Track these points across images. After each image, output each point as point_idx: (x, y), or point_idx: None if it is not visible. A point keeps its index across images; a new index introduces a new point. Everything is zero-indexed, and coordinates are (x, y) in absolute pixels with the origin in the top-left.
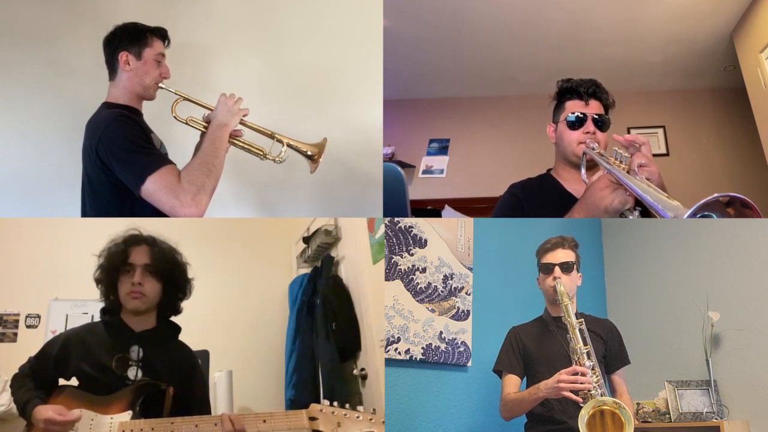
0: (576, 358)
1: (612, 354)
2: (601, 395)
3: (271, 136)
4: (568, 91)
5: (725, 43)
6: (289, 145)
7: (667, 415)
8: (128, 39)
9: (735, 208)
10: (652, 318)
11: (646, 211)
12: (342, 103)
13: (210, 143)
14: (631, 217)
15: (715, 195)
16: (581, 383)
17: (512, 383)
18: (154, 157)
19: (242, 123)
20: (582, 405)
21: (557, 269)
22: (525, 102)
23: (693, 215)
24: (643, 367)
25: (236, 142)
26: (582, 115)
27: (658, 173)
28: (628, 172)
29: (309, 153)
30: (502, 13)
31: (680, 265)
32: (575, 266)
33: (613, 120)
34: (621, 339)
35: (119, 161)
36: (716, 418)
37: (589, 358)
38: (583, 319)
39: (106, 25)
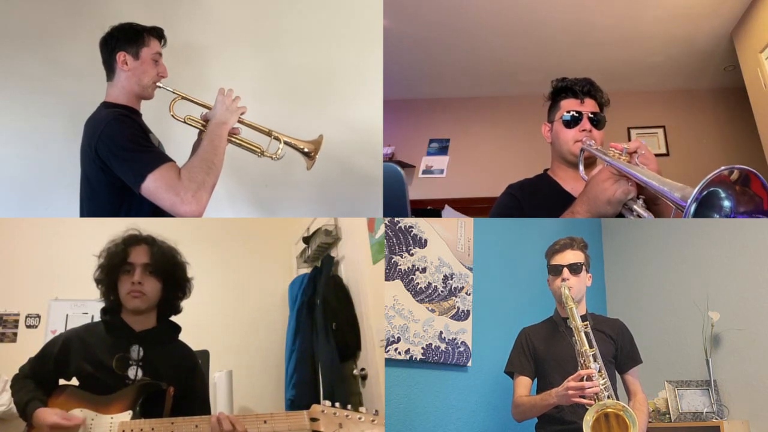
0: (582, 361)
1: (623, 354)
2: (608, 397)
3: (269, 133)
4: (563, 90)
5: (725, 43)
6: (286, 143)
7: (667, 415)
8: (125, 39)
9: (740, 183)
10: (652, 318)
11: (648, 202)
12: (342, 102)
13: (209, 141)
14: (635, 206)
15: (721, 168)
16: (589, 387)
17: (523, 385)
18: (154, 154)
19: (240, 121)
20: (588, 407)
21: (566, 271)
22: (525, 102)
23: (700, 193)
24: (643, 367)
25: (234, 139)
26: (577, 114)
27: (656, 166)
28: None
29: (306, 150)
30: (502, 13)
31: (680, 265)
32: (584, 267)
33: (614, 120)
34: (632, 338)
35: (119, 160)
36: (716, 418)
37: (595, 360)
38: (588, 322)
39: (106, 25)
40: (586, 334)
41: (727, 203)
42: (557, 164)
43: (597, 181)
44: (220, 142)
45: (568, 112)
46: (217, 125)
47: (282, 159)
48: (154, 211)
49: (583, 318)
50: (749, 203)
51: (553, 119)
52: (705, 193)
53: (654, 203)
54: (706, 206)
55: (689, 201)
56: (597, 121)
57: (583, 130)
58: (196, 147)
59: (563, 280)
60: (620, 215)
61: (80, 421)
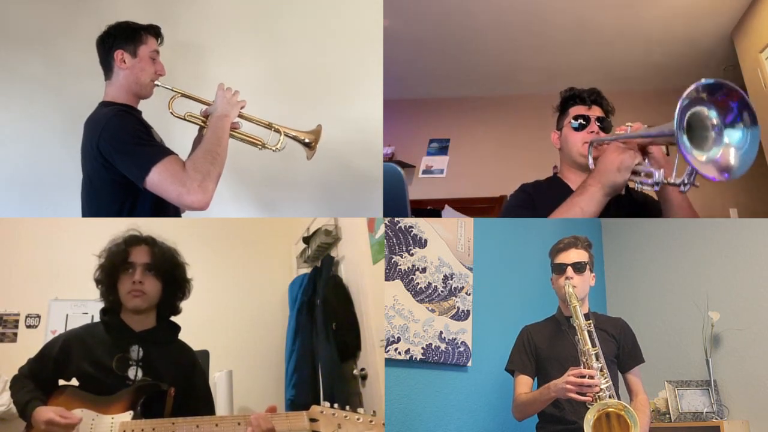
0: (584, 360)
1: (625, 353)
2: (610, 397)
3: (269, 126)
4: (571, 98)
5: (725, 43)
6: (286, 134)
7: (667, 415)
8: (123, 37)
9: (714, 95)
10: (652, 318)
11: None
12: (342, 102)
13: (212, 133)
14: (641, 168)
15: (688, 90)
16: (588, 385)
17: (524, 383)
18: (157, 148)
19: (240, 115)
20: (590, 406)
21: (570, 269)
22: (525, 102)
23: (681, 118)
24: (643, 366)
25: (234, 133)
26: (585, 118)
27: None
28: None
29: (306, 140)
30: (502, 14)
31: (680, 265)
32: (588, 266)
33: (614, 120)
34: (634, 337)
35: (122, 155)
36: (716, 418)
37: (597, 359)
38: (591, 321)
39: (105, 24)
40: (589, 332)
41: (713, 115)
42: (567, 167)
43: (606, 156)
44: (223, 134)
45: (576, 117)
46: (219, 118)
47: (283, 158)
48: (156, 209)
49: (587, 317)
50: (728, 109)
51: (562, 126)
52: (688, 115)
53: (660, 167)
54: (699, 129)
55: (674, 128)
56: (603, 126)
57: (591, 132)
58: (196, 143)
59: (567, 278)
60: (626, 204)
61: (76, 420)
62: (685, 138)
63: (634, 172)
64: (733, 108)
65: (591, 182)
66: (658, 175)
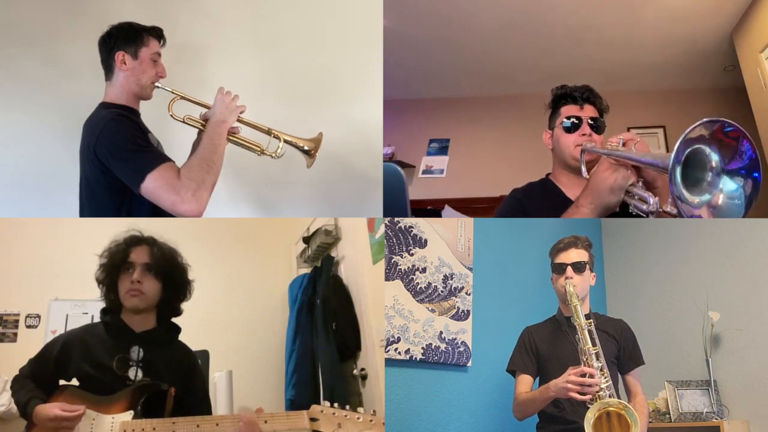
0: (585, 359)
1: (626, 354)
2: (610, 396)
3: (268, 132)
4: (562, 97)
5: (725, 43)
6: (285, 141)
7: (667, 415)
8: (124, 39)
9: (720, 136)
10: (652, 318)
11: (647, 185)
12: (342, 103)
13: (209, 140)
14: (635, 190)
15: (690, 127)
16: (588, 384)
17: (525, 383)
18: (153, 154)
19: (239, 120)
20: (590, 405)
21: (570, 269)
22: (525, 102)
23: (680, 155)
24: (643, 367)
25: (233, 138)
26: (578, 119)
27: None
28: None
29: (305, 148)
30: (502, 14)
31: (680, 265)
32: (588, 266)
33: (614, 120)
34: (635, 339)
35: (118, 160)
36: (716, 418)
37: (597, 359)
38: (592, 320)
39: (105, 24)
40: (590, 332)
41: (714, 157)
42: (559, 170)
43: (598, 173)
44: (219, 141)
45: (568, 118)
46: (217, 124)
47: (282, 159)
48: (154, 211)
49: (587, 316)
50: (736, 153)
51: (554, 126)
52: (688, 151)
53: (653, 186)
54: (696, 167)
55: (670, 164)
56: (597, 127)
57: (583, 135)
58: (195, 146)
59: (567, 278)
60: (623, 210)
61: (82, 411)
62: (679, 179)
63: (628, 193)
64: (742, 153)
65: (583, 202)
66: (653, 202)
